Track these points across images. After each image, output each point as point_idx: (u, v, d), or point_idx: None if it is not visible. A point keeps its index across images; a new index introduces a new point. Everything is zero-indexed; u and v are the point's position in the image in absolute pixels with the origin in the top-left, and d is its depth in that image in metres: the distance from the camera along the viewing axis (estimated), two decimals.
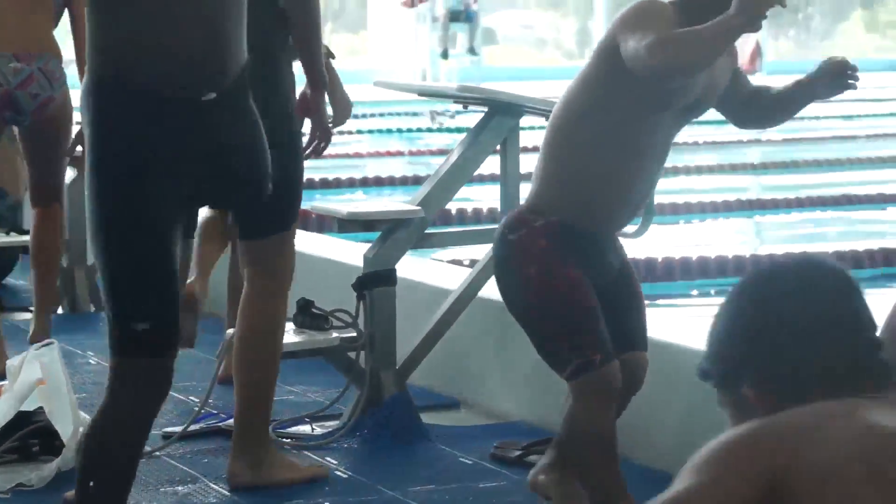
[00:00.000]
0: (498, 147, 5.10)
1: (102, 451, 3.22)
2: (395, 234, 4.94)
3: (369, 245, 5.09)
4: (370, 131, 16.92)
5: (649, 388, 3.88)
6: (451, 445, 4.80)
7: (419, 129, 17.26)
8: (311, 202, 7.26)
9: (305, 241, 6.61)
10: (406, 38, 21.99)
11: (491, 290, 4.96)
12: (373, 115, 16.99)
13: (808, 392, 1.85)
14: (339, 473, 4.59)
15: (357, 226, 5.28)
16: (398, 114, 17.37)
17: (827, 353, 1.90)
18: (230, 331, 4.92)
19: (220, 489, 4.39)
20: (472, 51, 21.06)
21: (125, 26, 2.90)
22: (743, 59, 29.56)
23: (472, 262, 5.77)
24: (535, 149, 4.41)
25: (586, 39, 28.89)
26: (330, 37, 26.08)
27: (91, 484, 3.15)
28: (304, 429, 4.93)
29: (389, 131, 17.55)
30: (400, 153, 15.84)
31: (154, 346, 2.97)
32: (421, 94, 7.20)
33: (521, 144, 5.18)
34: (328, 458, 4.71)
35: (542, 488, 3.94)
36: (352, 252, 5.76)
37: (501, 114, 4.91)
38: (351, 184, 12.45)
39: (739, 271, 8.00)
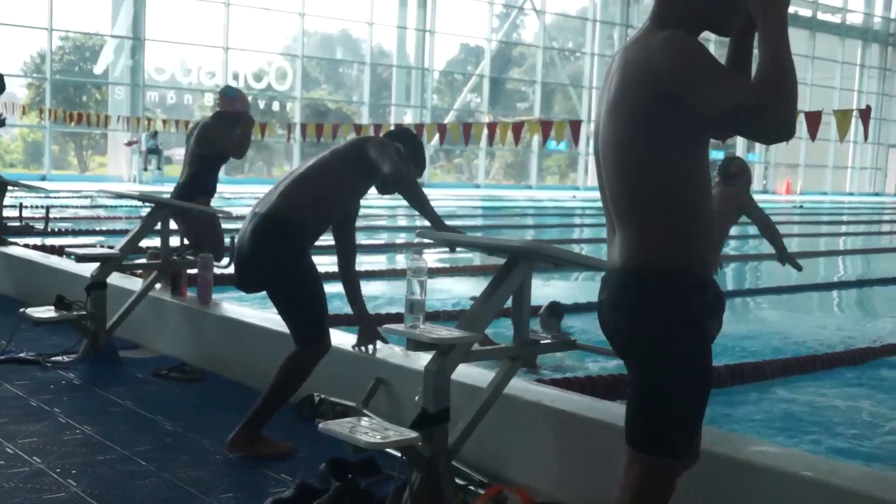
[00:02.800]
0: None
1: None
2: (108, 263, 5.63)
3: (95, 266, 5.65)
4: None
5: None
6: (134, 367, 5.49)
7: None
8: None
9: (65, 264, 7.28)
10: (127, 160, 28.56)
11: (159, 290, 5.95)
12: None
13: None
14: (75, 382, 5.14)
15: (87, 258, 5.80)
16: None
17: None
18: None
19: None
20: (159, 168, 27.64)
21: None
22: None
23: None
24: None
25: None
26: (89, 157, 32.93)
27: None
28: (60, 358, 5.54)
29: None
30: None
31: None
32: (129, 196, 8.10)
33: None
34: (70, 373, 5.27)
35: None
36: (87, 269, 5.90)
37: (162, 207, 5.88)
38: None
39: None
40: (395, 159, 3.94)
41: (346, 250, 4.37)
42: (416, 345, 3.17)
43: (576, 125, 13.15)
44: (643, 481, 2.24)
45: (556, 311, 6.51)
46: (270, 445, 4.01)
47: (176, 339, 5.91)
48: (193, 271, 5.98)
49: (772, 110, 2.01)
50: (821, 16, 46.24)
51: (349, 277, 4.41)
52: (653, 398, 2.23)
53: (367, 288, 8.60)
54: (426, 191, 4.30)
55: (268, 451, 3.99)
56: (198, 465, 3.84)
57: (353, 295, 4.39)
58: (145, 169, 27.39)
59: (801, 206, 32.29)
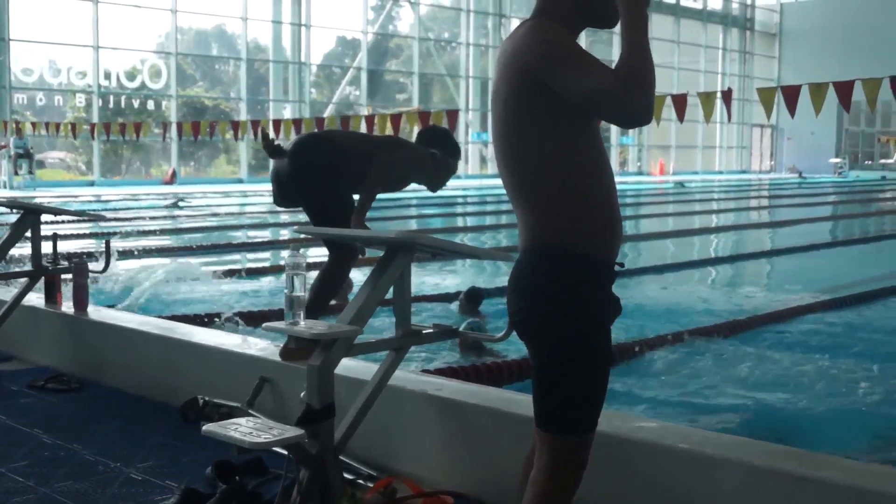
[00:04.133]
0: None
1: None
2: None
3: None
4: None
5: None
6: (7, 379, 5.26)
7: None
8: None
9: None
10: None
11: (32, 298, 5.73)
12: None
13: None
14: None
15: None
16: None
17: None
18: None
19: None
20: (31, 173, 26.47)
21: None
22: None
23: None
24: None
25: (90, 165, 30.50)
26: None
27: None
28: None
29: None
30: None
31: None
32: None
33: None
34: None
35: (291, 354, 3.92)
36: None
37: (31, 213, 5.66)
38: None
39: None
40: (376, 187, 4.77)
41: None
42: (297, 341, 3.12)
43: (453, 114, 13.21)
44: (555, 460, 2.26)
45: (474, 296, 6.55)
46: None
47: (52, 349, 5.70)
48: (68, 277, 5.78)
49: (631, 97, 2.07)
50: (683, 2, 47.63)
51: None
52: (553, 379, 2.25)
53: (258, 284, 8.71)
54: None
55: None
56: (78, 477, 3.71)
57: None
58: (16, 173, 26.16)
59: (683, 185, 33.21)
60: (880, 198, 29.23)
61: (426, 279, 8.94)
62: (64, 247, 6.15)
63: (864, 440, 4.43)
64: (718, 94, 11.28)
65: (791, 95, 9.86)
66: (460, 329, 3.82)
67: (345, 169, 4.76)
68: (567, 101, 2.16)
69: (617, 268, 2.32)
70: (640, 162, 47.10)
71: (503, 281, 8.66)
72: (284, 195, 4.90)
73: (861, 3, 48.23)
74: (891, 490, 2.52)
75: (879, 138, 52.84)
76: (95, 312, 5.62)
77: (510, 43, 2.25)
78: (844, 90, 9.37)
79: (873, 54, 41.19)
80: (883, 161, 53.11)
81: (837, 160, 48.51)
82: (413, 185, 5.41)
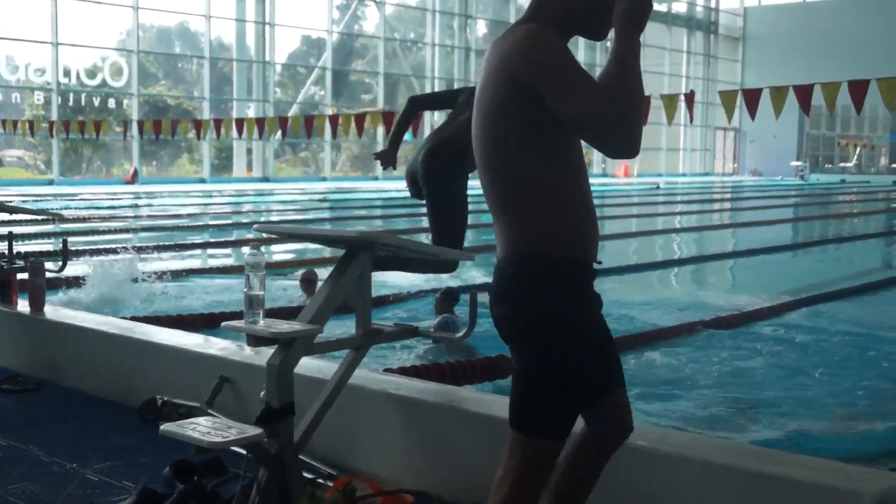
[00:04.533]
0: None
1: None
2: None
3: None
4: None
5: None
6: None
7: None
8: None
9: None
10: None
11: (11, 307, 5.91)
12: None
13: None
14: None
15: None
16: None
17: None
18: None
19: None
20: None
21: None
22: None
23: None
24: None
25: (49, 164, 30.01)
26: None
27: None
28: None
29: None
30: None
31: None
32: None
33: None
34: None
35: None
36: None
37: None
38: None
39: None
40: None
41: None
42: (256, 340, 3.11)
43: (419, 115, 13.15)
44: (527, 462, 2.25)
45: (450, 296, 6.60)
46: None
47: (8, 350, 5.62)
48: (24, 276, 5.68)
49: (617, 127, 2.06)
50: None
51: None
52: (535, 382, 2.22)
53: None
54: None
55: None
56: (33, 478, 3.67)
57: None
58: None
59: (658, 187, 33.35)
60: (840, 200, 29.63)
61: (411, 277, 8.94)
62: (22, 247, 5.99)
63: (833, 437, 4.48)
64: (682, 97, 11.36)
65: (752, 98, 9.97)
66: (435, 324, 3.83)
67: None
68: (555, 114, 2.13)
69: (595, 266, 2.31)
70: (604, 164, 47.33)
71: (474, 279, 8.72)
72: (417, 192, 5.70)
73: (823, 8, 48.88)
74: (847, 486, 2.54)
75: (839, 142, 53.59)
76: (52, 312, 5.55)
77: (501, 46, 2.22)
78: (804, 94, 9.48)
79: (834, 59, 41.74)
80: (843, 164, 53.81)
81: (799, 163, 49.07)
82: None
